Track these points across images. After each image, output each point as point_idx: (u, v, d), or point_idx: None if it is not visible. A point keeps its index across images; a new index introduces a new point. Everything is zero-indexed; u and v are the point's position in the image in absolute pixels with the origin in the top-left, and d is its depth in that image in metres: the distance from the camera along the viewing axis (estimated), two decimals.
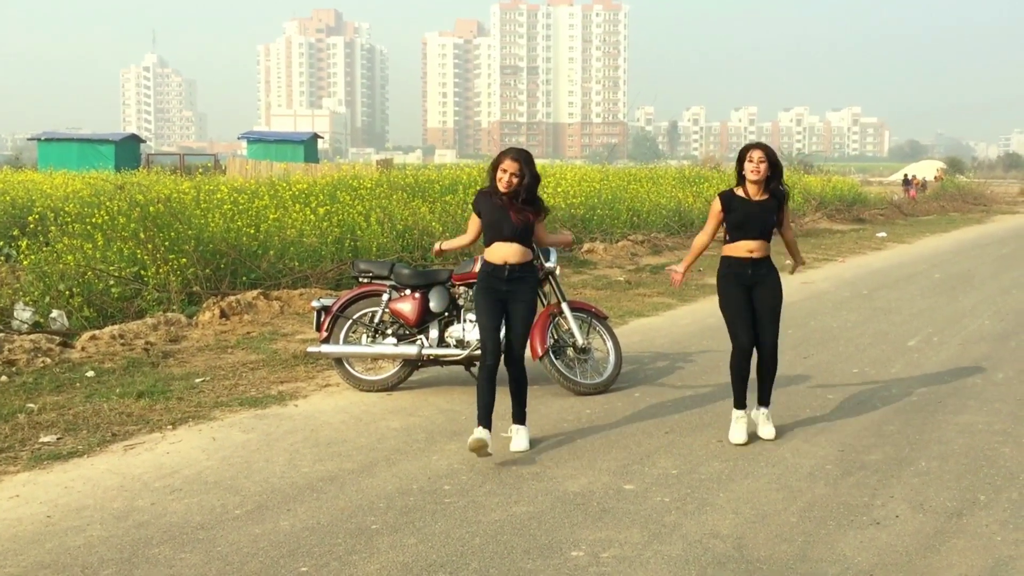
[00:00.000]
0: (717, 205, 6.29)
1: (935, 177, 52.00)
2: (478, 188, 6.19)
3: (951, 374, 8.22)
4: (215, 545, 4.48)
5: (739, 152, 6.32)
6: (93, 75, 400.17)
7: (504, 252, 5.93)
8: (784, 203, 6.36)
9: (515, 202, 5.91)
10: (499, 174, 5.88)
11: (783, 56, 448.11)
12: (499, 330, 5.92)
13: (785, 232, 6.54)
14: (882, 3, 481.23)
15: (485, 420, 5.73)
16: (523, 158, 5.92)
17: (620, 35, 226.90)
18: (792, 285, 14.05)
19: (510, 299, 5.94)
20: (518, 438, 5.91)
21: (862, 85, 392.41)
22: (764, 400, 6.40)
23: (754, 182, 6.18)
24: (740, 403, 6.29)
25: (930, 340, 9.82)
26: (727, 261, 6.33)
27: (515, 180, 5.86)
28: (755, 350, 6.31)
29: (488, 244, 6.00)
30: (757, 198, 6.21)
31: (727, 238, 6.32)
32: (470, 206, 6.09)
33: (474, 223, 6.09)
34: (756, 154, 6.18)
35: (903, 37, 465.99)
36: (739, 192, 6.27)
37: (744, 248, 6.25)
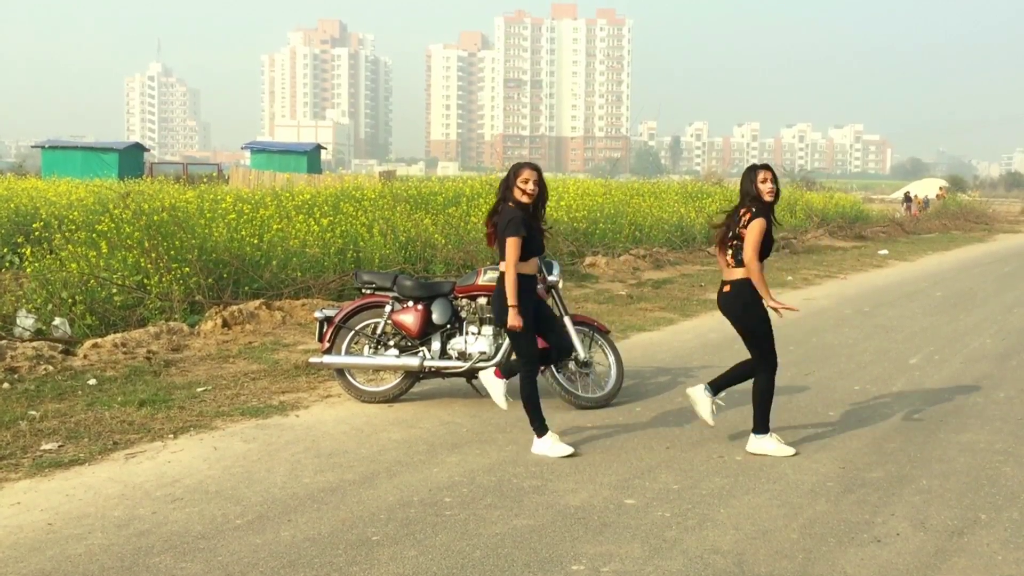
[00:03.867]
0: (764, 224, 6.04)
1: (937, 195, 52.02)
2: (491, 207, 6.36)
3: (952, 392, 8.22)
4: (216, 555, 4.48)
5: (748, 171, 6.22)
6: (97, 83, 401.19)
7: (535, 265, 6.27)
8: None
9: (534, 214, 6.25)
10: (520, 185, 6.11)
11: (786, 73, 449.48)
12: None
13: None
14: (886, 20, 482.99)
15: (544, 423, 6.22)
16: (538, 169, 6.28)
17: (624, 49, 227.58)
18: (794, 302, 14.04)
19: (540, 306, 6.41)
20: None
21: (864, 103, 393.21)
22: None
23: (771, 203, 6.11)
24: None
25: (931, 358, 9.82)
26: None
27: (535, 189, 6.14)
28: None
29: (525, 258, 6.14)
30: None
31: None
32: (518, 227, 6.11)
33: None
34: (769, 174, 6.12)
35: (905, 55, 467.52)
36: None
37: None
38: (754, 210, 6.10)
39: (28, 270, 11.00)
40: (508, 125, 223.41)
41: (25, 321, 9.47)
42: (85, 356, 8.62)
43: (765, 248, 6.10)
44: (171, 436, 6.43)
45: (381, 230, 14.49)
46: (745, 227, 6.08)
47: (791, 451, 6.21)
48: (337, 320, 7.59)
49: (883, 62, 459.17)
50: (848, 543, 4.76)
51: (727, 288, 6.25)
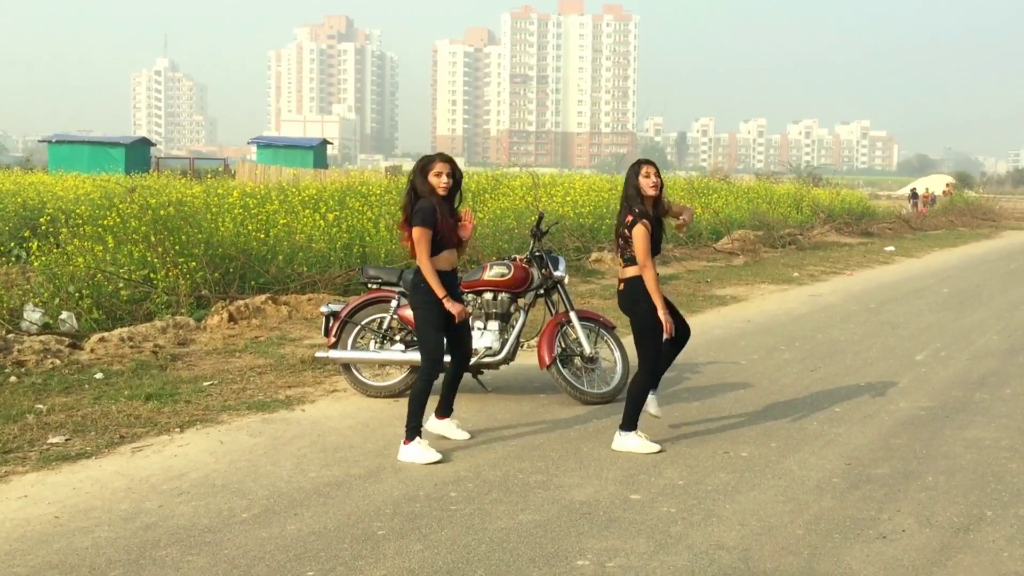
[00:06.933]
0: (646, 226, 6.03)
1: (944, 192, 51.91)
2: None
3: (958, 389, 8.21)
4: (222, 548, 4.50)
5: (632, 167, 6.20)
6: (104, 78, 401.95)
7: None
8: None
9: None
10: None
11: (793, 68, 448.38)
12: None
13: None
14: (893, 17, 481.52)
15: None
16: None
17: (630, 45, 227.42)
18: (800, 298, 14.07)
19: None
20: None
21: (871, 99, 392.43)
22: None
23: (654, 197, 6.10)
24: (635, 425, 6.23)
25: (938, 355, 9.80)
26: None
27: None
28: None
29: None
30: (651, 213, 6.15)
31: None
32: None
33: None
34: (652, 169, 6.13)
35: (912, 51, 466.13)
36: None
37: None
38: (636, 211, 6.07)
39: (35, 264, 11.04)
40: (514, 120, 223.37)
41: (32, 315, 9.49)
42: (92, 350, 8.65)
43: (653, 246, 6.09)
44: (177, 430, 6.45)
45: (387, 225, 14.48)
46: (630, 230, 6.07)
47: (657, 444, 6.21)
48: (343, 315, 7.59)
49: (890, 59, 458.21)
50: (854, 539, 4.76)
51: (621, 286, 6.25)
